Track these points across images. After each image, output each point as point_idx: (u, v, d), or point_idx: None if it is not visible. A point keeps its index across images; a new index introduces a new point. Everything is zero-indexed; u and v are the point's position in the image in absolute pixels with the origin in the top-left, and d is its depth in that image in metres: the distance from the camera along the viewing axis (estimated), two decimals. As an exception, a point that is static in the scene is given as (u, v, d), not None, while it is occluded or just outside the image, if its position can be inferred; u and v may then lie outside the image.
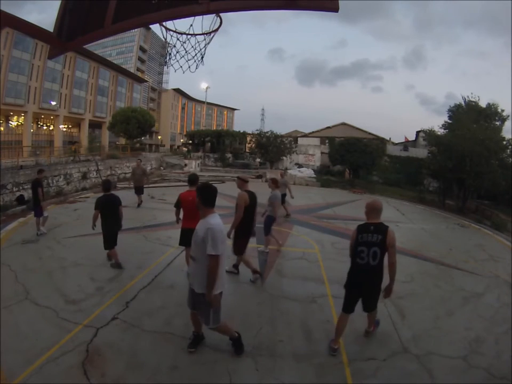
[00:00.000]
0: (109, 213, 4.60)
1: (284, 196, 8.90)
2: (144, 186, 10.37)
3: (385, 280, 2.96)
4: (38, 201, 6.21)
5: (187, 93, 68.39)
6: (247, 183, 4.35)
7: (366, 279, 2.94)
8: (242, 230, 4.24)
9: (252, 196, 4.25)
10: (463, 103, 20.81)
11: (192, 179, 4.32)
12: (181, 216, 4.39)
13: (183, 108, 69.62)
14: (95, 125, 42.10)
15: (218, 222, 2.57)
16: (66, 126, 37.94)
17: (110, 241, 4.64)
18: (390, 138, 32.15)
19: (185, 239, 4.18)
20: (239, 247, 4.36)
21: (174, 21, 2.65)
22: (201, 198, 2.61)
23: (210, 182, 3.92)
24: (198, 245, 2.55)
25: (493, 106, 19.82)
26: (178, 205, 4.35)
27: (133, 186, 9.92)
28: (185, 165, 21.22)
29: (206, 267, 2.48)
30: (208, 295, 2.51)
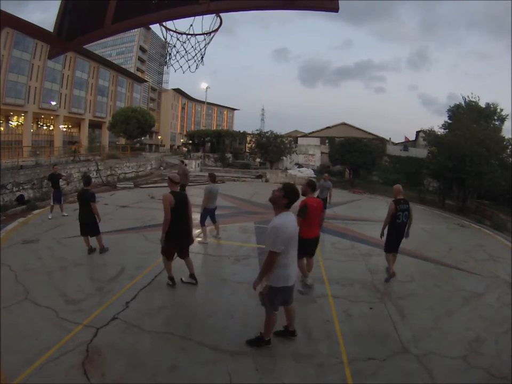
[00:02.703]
0: (82, 206, 5.23)
1: (325, 200, 7.75)
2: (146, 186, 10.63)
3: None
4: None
5: (187, 93, 68.42)
6: (176, 184, 4.09)
7: (400, 230, 4.80)
8: (168, 232, 3.89)
9: (180, 197, 3.98)
10: (463, 103, 20.83)
11: (314, 185, 4.26)
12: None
13: (183, 108, 69.61)
14: (95, 125, 42.10)
15: (284, 220, 2.63)
16: (66, 126, 37.93)
17: (83, 229, 5.26)
18: (390, 138, 32.21)
19: (305, 250, 4.01)
20: (164, 249, 4.03)
21: (174, 21, 2.65)
22: (288, 197, 2.67)
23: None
24: (266, 240, 2.74)
25: (492, 106, 19.84)
26: (304, 214, 3.91)
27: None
28: (185, 165, 21.20)
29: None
30: (255, 281, 2.77)
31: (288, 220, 2.67)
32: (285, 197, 2.67)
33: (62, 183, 8.26)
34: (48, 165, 12.50)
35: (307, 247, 4.14)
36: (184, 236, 4.08)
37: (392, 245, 4.89)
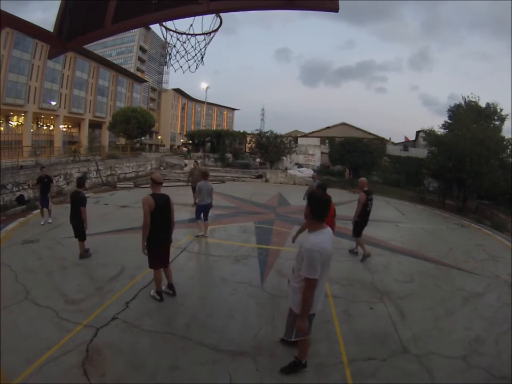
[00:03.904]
0: (73, 208, 5.10)
1: None
2: (146, 186, 10.22)
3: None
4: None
5: (187, 93, 68.42)
6: (158, 185, 3.72)
7: (368, 217, 5.70)
8: (152, 241, 3.60)
9: (162, 200, 3.63)
10: (463, 103, 20.80)
11: (324, 188, 4.34)
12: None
13: (183, 108, 69.61)
14: (95, 125, 42.10)
15: (321, 241, 2.25)
16: (66, 126, 37.93)
17: (75, 232, 5.13)
18: (390, 138, 32.18)
19: None
20: (149, 260, 3.71)
21: (174, 21, 2.65)
22: (312, 208, 2.30)
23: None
24: (298, 259, 2.40)
25: (492, 106, 19.81)
26: None
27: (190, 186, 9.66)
28: (185, 165, 21.22)
29: (299, 284, 2.37)
30: (300, 319, 2.35)
31: (324, 238, 2.29)
32: (308, 206, 2.34)
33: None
34: (48, 165, 12.50)
35: None
36: (168, 242, 3.82)
37: (362, 230, 5.72)
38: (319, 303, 2.46)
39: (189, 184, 9.69)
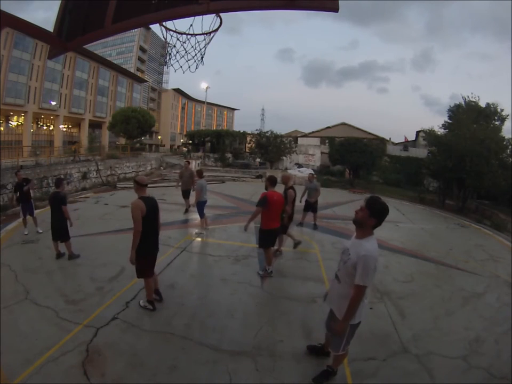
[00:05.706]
0: (54, 209, 4.98)
1: (315, 203, 7.79)
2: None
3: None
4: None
5: (187, 93, 68.45)
6: (144, 188, 3.45)
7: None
8: (144, 247, 3.35)
9: (150, 203, 3.39)
10: (463, 103, 20.80)
11: (275, 180, 4.69)
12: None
13: (183, 108, 69.64)
14: (95, 125, 42.11)
15: (375, 247, 2.20)
16: (66, 126, 37.92)
17: (54, 234, 5.02)
18: (390, 138, 32.18)
19: (269, 240, 4.66)
20: (141, 269, 3.47)
21: (174, 21, 2.65)
22: (376, 216, 2.18)
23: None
24: (347, 268, 2.26)
25: (492, 106, 19.81)
26: (264, 204, 4.42)
27: (180, 190, 8.63)
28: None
29: (349, 294, 2.24)
30: (341, 323, 2.29)
31: (376, 246, 2.22)
32: (371, 216, 2.17)
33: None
34: (48, 165, 12.51)
35: (272, 237, 4.67)
36: (157, 247, 3.61)
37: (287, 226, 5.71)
38: (363, 311, 2.38)
39: (179, 186, 8.64)
